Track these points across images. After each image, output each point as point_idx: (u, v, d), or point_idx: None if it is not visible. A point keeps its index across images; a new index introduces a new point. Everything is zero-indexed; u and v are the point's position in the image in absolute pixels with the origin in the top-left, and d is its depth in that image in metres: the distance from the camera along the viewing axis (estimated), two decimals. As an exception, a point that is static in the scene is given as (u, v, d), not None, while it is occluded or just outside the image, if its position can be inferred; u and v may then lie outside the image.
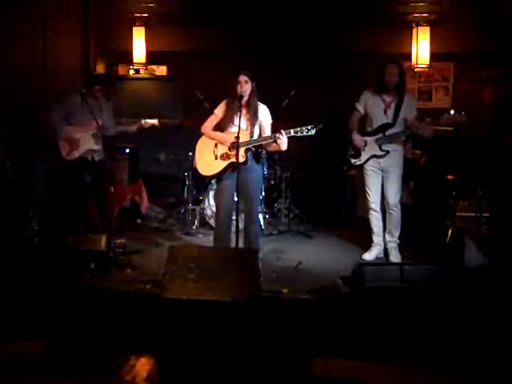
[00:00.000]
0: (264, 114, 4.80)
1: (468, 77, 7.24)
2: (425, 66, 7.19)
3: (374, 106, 5.14)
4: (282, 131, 4.50)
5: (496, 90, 6.95)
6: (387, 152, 5.10)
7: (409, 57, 7.18)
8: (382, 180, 5.22)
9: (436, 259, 4.94)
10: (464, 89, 7.27)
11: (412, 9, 7.20)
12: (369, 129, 5.21)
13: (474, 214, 5.82)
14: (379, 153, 5.13)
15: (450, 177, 5.74)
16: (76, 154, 5.49)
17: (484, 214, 5.69)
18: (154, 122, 5.55)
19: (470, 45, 6.98)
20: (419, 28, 7.14)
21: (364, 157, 5.20)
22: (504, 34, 6.64)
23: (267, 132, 4.79)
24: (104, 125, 5.40)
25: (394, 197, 5.17)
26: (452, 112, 4.91)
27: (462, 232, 5.26)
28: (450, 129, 6.54)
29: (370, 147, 5.17)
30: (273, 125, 4.81)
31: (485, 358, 3.34)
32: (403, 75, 5.11)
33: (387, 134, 5.10)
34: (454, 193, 5.68)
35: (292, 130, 4.51)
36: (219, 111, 4.84)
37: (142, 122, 5.53)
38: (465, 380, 3.16)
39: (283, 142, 4.53)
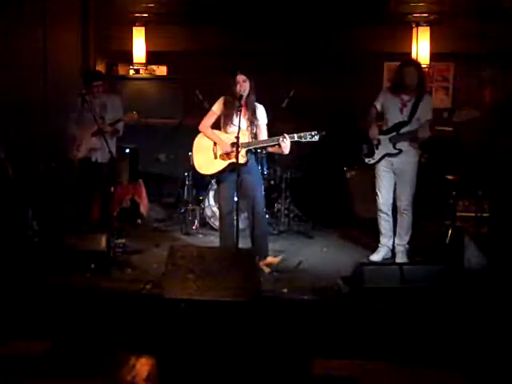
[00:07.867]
0: (261, 113, 4.79)
1: (468, 77, 7.23)
2: (425, 66, 7.17)
3: (390, 106, 5.07)
4: (286, 135, 4.49)
5: (496, 90, 6.95)
6: (400, 151, 5.01)
7: (409, 57, 7.17)
8: (394, 182, 5.14)
9: (436, 259, 4.94)
10: (464, 89, 7.27)
11: (412, 9, 7.20)
12: (384, 127, 5.13)
13: (473, 214, 5.81)
14: (392, 151, 5.03)
15: (449, 177, 5.73)
16: (80, 155, 5.51)
17: (484, 214, 5.68)
18: (133, 115, 5.49)
19: (470, 45, 6.97)
20: (419, 28, 7.14)
21: (377, 155, 5.12)
22: (504, 34, 6.64)
23: (263, 131, 4.78)
24: (108, 120, 5.39)
25: (405, 200, 5.08)
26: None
27: (462, 232, 5.26)
28: (450, 129, 6.54)
29: (383, 145, 5.08)
30: (273, 125, 4.80)
31: (485, 358, 3.34)
32: (422, 75, 5.03)
33: (401, 132, 5.01)
34: (454, 193, 5.67)
35: (296, 135, 4.48)
36: (217, 108, 4.83)
37: (124, 118, 5.51)
38: (465, 380, 3.16)
39: (286, 146, 4.50)
